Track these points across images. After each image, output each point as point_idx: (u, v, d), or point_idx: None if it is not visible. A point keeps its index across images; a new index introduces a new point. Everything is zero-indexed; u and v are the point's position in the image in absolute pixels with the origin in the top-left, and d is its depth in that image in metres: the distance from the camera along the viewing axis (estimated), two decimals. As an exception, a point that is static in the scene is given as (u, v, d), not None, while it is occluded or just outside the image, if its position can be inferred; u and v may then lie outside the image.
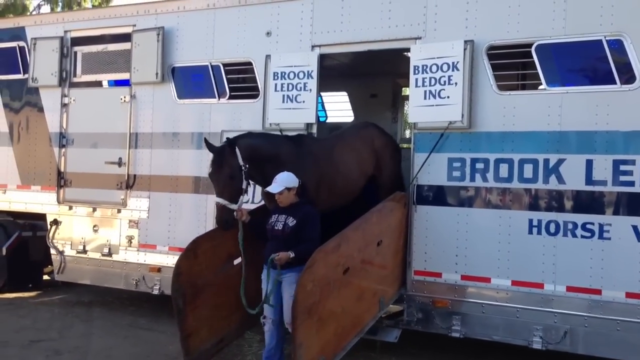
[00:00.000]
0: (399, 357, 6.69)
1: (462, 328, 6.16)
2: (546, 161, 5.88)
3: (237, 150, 5.55)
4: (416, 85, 6.46)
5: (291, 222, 5.21)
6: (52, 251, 8.83)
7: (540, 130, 5.90)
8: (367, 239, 5.72)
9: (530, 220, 5.93)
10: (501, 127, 6.09)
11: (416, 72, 6.44)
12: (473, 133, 6.19)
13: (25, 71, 9.10)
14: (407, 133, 10.49)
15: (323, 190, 6.09)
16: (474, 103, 6.18)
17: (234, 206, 5.46)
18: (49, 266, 9.26)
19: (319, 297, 4.94)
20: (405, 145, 9.40)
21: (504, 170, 6.06)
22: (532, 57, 6.00)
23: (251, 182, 5.68)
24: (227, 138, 5.69)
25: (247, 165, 5.56)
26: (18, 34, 9.24)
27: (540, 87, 6.13)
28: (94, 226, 8.53)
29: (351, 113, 10.29)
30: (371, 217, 5.80)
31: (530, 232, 5.92)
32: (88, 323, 7.93)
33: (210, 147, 5.61)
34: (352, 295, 5.49)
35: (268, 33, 7.32)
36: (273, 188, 5.25)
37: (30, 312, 8.42)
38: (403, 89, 9.83)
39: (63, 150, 8.79)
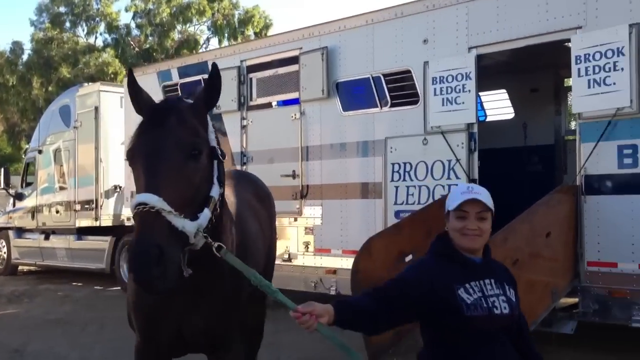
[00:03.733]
0: (576, 350, 6.57)
1: (644, 319, 5.93)
2: None
3: (210, 120, 3.02)
4: (579, 75, 6.37)
5: (512, 294, 2.82)
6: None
7: None
8: (535, 231, 5.75)
9: None
10: (676, 109, 5.82)
11: (578, 61, 6.36)
12: (644, 118, 5.97)
13: (210, 100, 10.21)
14: (572, 125, 10.17)
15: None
16: (643, 87, 5.98)
17: (188, 226, 2.56)
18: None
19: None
20: (570, 137, 9.17)
21: (682, 154, 5.78)
22: None
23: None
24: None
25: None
26: (202, 67, 10.36)
27: None
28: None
29: (511, 110, 10.21)
30: (538, 209, 5.82)
31: None
32: (276, 321, 8.68)
33: (140, 100, 2.97)
34: (521, 287, 5.49)
35: (425, 40, 7.60)
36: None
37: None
38: (565, 80, 9.58)
39: (244, 167, 9.67)
